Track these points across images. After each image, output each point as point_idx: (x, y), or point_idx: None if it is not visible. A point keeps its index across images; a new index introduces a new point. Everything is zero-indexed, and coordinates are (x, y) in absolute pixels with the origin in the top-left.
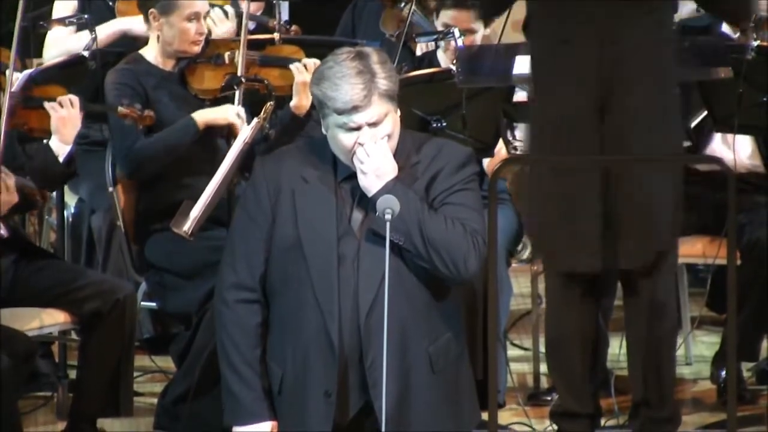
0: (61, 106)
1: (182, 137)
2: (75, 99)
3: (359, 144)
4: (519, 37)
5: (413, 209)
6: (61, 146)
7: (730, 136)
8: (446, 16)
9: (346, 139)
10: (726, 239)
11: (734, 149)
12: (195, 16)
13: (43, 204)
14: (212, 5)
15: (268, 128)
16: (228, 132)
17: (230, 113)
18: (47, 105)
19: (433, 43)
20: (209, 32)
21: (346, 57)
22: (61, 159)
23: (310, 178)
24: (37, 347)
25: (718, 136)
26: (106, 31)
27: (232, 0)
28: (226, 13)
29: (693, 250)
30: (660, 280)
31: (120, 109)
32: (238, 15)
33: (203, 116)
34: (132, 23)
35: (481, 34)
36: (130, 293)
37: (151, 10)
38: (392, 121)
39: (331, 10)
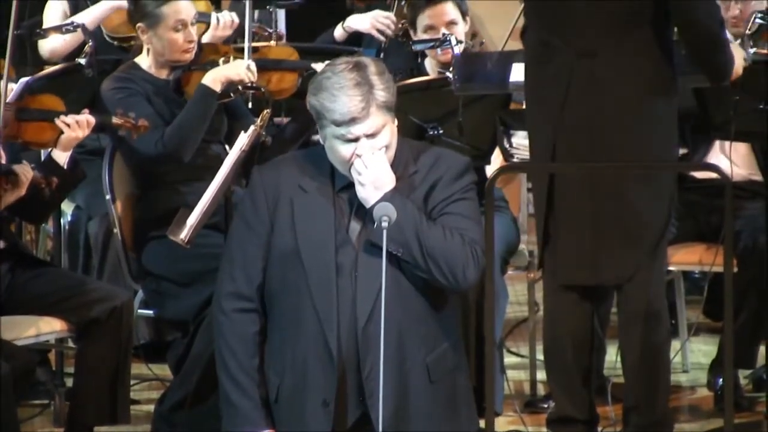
0: (78, 125)
1: (201, 105)
2: (92, 121)
3: (357, 155)
4: (519, 46)
5: (411, 220)
6: (61, 155)
7: (727, 143)
8: (424, 19)
9: (344, 149)
10: (723, 246)
11: (731, 156)
12: (182, 25)
13: (50, 193)
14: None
15: (264, 135)
16: (228, 135)
17: (241, 68)
18: (60, 121)
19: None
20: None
21: (344, 68)
22: (64, 166)
23: (308, 188)
24: (36, 361)
25: (716, 146)
26: (95, 12)
27: (232, 3)
28: (217, 20)
29: (690, 257)
30: (651, 288)
31: (114, 119)
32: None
33: (213, 76)
34: (121, 2)
35: (462, 27)
36: (127, 301)
37: (139, 24)
38: (390, 132)
39: (328, 17)
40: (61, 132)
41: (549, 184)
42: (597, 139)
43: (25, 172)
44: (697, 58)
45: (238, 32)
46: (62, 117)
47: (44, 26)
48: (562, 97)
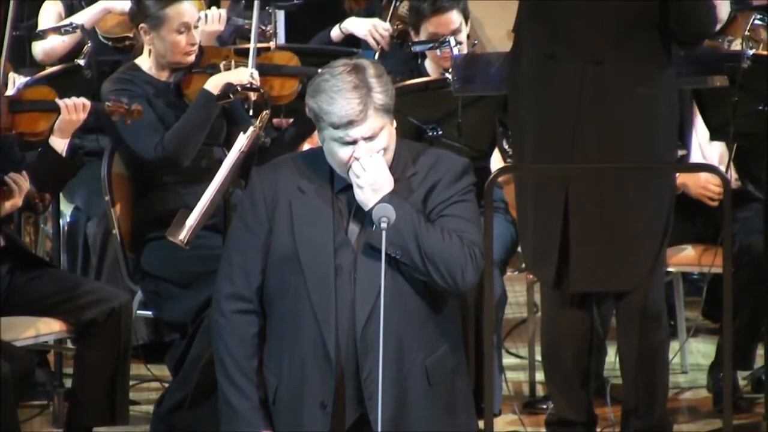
0: (75, 108)
1: (203, 111)
2: (88, 104)
3: (355, 158)
4: None
5: (410, 223)
6: (59, 142)
7: (706, 149)
8: (429, 26)
9: (342, 152)
10: (721, 247)
11: (730, 158)
12: (185, 27)
13: (43, 208)
14: None
15: (263, 137)
16: (227, 138)
17: (244, 75)
18: (60, 103)
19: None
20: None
21: (342, 70)
22: (63, 154)
23: (306, 189)
24: (35, 362)
25: (696, 150)
26: (89, 14)
27: (231, 4)
28: (206, 16)
29: (688, 258)
30: (650, 290)
31: (107, 105)
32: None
33: (215, 82)
34: (114, 3)
35: (465, 31)
36: (125, 302)
37: (142, 25)
38: (388, 135)
39: (327, 19)
40: (54, 122)
41: (566, 197)
42: (611, 145)
43: (20, 181)
44: (683, 43)
45: (238, 33)
46: (57, 99)
47: (40, 27)
48: (575, 107)
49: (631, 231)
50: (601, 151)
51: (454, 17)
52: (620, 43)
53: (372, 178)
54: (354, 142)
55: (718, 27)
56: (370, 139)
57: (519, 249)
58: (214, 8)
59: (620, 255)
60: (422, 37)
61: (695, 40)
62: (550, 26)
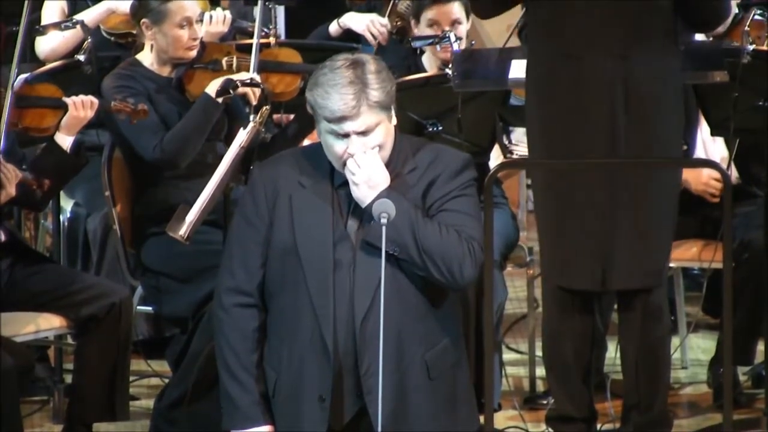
0: (83, 105)
1: (203, 114)
2: (96, 102)
3: (350, 154)
4: (513, 40)
5: (406, 219)
6: (64, 138)
7: (710, 147)
8: (429, 14)
9: (337, 145)
10: (722, 242)
11: (731, 157)
12: (187, 22)
13: (42, 196)
14: None
15: (264, 132)
16: (228, 134)
17: (245, 75)
18: (68, 100)
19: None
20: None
21: (341, 65)
22: (68, 150)
23: (306, 184)
24: (35, 358)
25: (699, 146)
26: (93, 14)
27: (231, 2)
28: (210, 17)
29: (688, 253)
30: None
31: (113, 104)
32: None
33: (216, 84)
34: (118, 3)
35: (465, 26)
36: (125, 297)
37: (143, 20)
38: (384, 131)
39: (327, 14)
40: (61, 119)
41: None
42: (645, 140)
43: (7, 171)
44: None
45: (238, 31)
46: (65, 97)
47: (42, 23)
48: (610, 105)
49: (650, 227)
50: (644, 147)
51: (456, 8)
52: (640, 37)
53: (367, 174)
54: (347, 136)
55: (723, 29)
56: (363, 134)
57: (520, 243)
58: (219, 9)
59: (642, 251)
60: (422, 24)
61: (712, 24)
62: (568, 26)
